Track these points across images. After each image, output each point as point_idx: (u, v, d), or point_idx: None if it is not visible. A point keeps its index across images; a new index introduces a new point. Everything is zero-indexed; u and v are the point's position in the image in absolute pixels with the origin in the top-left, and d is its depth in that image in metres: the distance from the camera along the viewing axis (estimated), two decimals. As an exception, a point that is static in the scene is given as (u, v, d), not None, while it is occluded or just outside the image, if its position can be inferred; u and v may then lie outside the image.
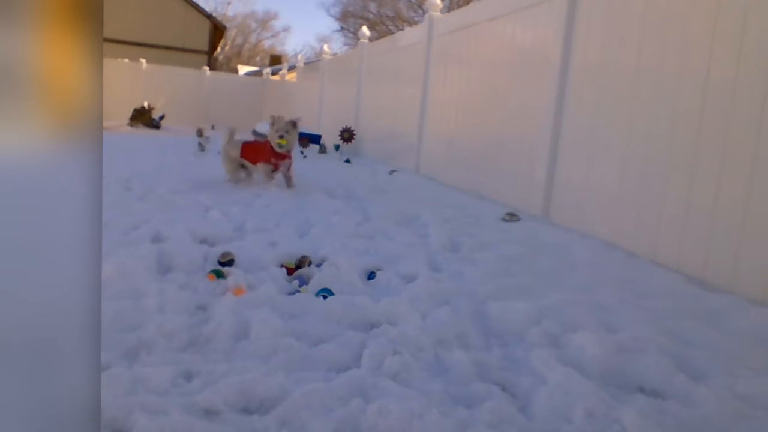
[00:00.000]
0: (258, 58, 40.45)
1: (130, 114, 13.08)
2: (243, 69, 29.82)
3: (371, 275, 2.62)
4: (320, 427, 1.38)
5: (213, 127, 14.83)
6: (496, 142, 5.11)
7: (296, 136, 4.92)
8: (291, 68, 17.90)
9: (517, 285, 2.55)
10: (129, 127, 12.58)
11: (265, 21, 43.11)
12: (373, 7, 30.32)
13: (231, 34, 37.03)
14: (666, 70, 3.18)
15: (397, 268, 2.72)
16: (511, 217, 4.15)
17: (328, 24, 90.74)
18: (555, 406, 1.53)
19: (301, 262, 2.68)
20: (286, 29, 57.82)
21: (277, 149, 4.84)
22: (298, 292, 2.35)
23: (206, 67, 17.76)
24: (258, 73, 22.54)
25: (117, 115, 13.01)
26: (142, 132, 12.10)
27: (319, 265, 2.71)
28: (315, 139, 9.81)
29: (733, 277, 2.65)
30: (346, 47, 31.11)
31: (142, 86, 15.83)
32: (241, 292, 2.26)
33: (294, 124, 4.88)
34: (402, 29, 22.13)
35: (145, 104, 13.37)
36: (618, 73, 3.57)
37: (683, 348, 1.93)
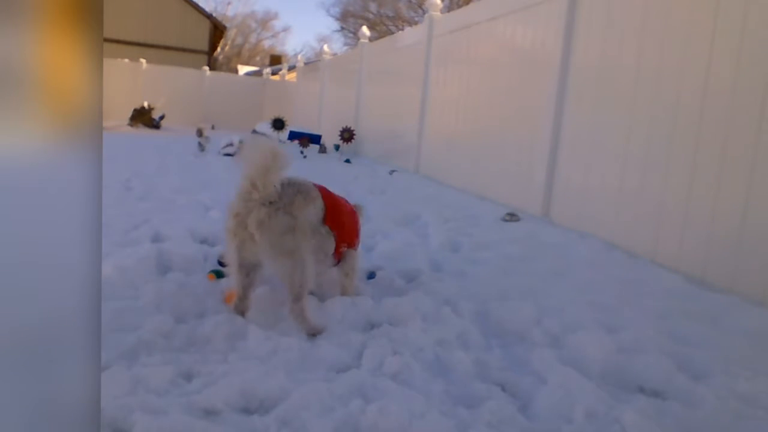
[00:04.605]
0: (258, 58, 40.43)
1: (130, 114, 13.08)
2: (243, 69, 29.83)
3: (371, 275, 2.62)
4: (320, 427, 1.38)
5: (213, 127, 14.83)
6: (496, 142, 5.11)
7: None
8: (291, 68, 17.92)
9: (517, 285, 2.55)
10: (129, 127, 12.58)
11: (265, 21, 43.09)
12: (373, 7, 30.33)
13: (231, 34, 37.01)
14: (666, 70, 3.18)
15: (398, 267, 2.72)
16: (511, 217, 4.15)
17: (328, 24, 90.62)
18: (555, 406, 1.53)
19: None
20: (286, 29, 57.71)
21: None
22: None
23: (206, 67, 17.75)
24: (258, 73, 22.54)
25: (117, 115, 13.01)
26: (142, 132, 12.10)
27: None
28: (315, 139, 9.81)
29: (733, 277, 2.65)
30: (346, 47, 31.13)
31: (142, 86, 15.82)
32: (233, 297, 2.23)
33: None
34: (402, 29, 22.12)
35: (145, 104, 13.37)
36: (618, 73, 3.57)
37: (683, 348, 1.93)
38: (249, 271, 2.02)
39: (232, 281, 2.06)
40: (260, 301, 2.18)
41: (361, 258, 2.67)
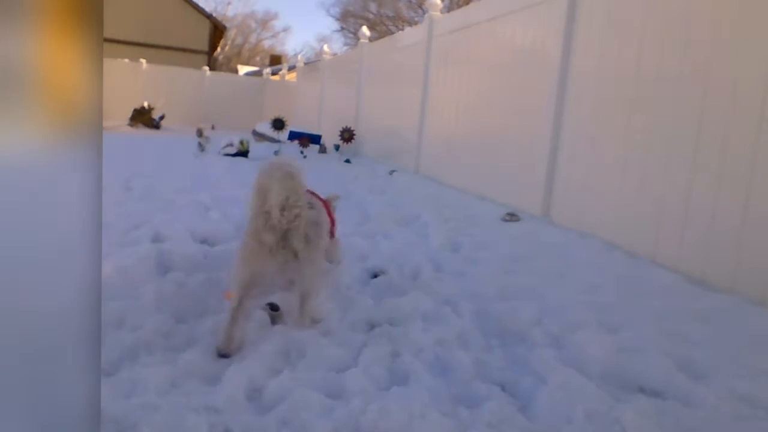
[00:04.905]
0: (258, 58, 40.41)
1: (130, 114, 13.07)
2: (243, 69, 29.80)
3: (373, 275, 2.62)
4: (320, 427, 1.38)
5: (213, 127, 14.83)
6: (496, 142, 5.11)
7: None
8: (291, 68, 17.90)
9: (517, 285, 2.55)
10: (129, 127, 12.57)
11: (265, 21, 43.06)
12: (373, 7, 30.32)
13: (231, 34, 36.98)
14: (666, 70, 3.18)
15: (398, 267, 2.72)
16: (511, 217, 4.15)
17: (328, 24, 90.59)
18: (555, 406, 1.53)
19: None
20: (286, 29, 57.60)
21: None
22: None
23: (206, 67, 17.75)
24: (258, 73, 22.53)
25: (117, 115, 13.00)
26: (142, 132, 12.10)
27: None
28: (315, 139, 9.81)
29: (733, 277, 2.65)
30: (346, 47, 31.11)
31: (142, 86, 15.82)
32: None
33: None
34: (402, 29, 22.11)
35: (145, 104, 13.37)
36: (618, 73, 3.57)
37: (683, 348, 1.93)
38: (260, 288, 1.96)
39: (237, 293, 1.93)
40: (259, 299, 2.18)
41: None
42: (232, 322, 1.82)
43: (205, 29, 23.55)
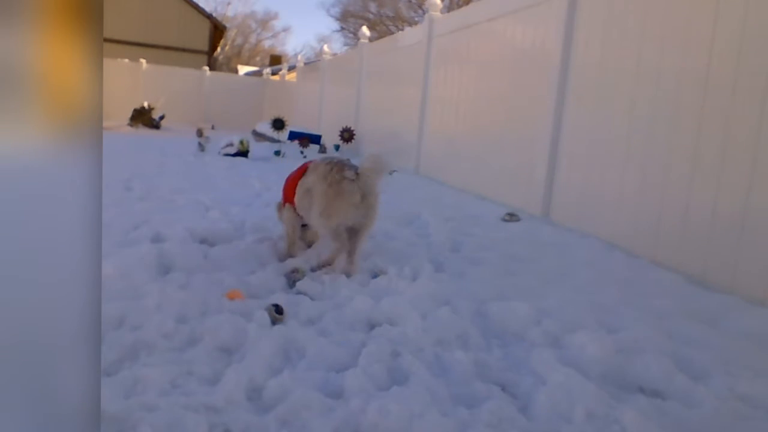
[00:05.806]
0: (258, 58, 40.44)
1: (130, 114, 13.08)
2: (243, 69, 29.82)
3: (373, 276, 2.61)
4: (320, 427, 1.38)
5: (213, 127, 14.84)
6: (496, 142, 5.11)
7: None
8: (291, 68, 17.91)
9: (517, 285, 2.55)
10: (129, 127, 12.57)
11: (265, 21, 43.11)
12: (373, 7, 30.33)
13: (231, 34, 37.02)
14: (666, 70, 3.18)
15: (398, 267, 2.72)
16: (511, 217, 4.15)
17: (328, 24, 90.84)
18: (555, 406, 1.53)
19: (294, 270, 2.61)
20: (286, 29, 57.71)
21: None
22: (300, 293, 2.35)
23: (206, 67, 17.76)
24: (258, 73, 22.54)
25: (117, 115, 13.01)
26: (142, 132, 12.10)
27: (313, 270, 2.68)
28: (315, 139, 9.81)
29: (733, 277, 2.65)
30: (346, 47, 31.12)
31: (142, 86, 15.83)
32: (237, 295, 2.23)
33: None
34: (402, 29, 22.12)
35: (145, 104, 13.37)
36: (618, 73, 3.57)
37: (683, 348, 1.93)
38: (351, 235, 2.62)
39: (343, 246, 2.61)
40: (260, 300, 2.18)
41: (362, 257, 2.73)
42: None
43: (205, 29, 23.56)
